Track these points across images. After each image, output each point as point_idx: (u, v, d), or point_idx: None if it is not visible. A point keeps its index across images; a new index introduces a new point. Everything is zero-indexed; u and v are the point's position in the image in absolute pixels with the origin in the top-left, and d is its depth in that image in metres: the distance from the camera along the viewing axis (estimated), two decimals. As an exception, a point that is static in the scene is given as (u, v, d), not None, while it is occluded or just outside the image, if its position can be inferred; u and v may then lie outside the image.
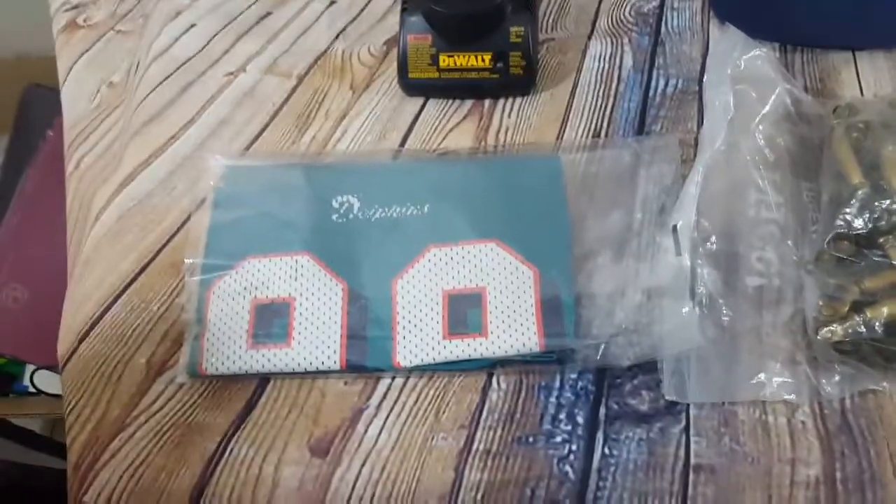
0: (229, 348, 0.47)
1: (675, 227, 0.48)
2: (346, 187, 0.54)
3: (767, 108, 0.53)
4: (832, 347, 0.44)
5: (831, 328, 0.44)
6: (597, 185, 0.54)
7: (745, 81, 0.54)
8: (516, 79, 0.60)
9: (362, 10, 0.70)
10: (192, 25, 0.70)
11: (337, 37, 0.68)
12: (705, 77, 0.60)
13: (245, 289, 0.49)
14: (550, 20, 0.67)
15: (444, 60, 0.59)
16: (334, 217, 0.52)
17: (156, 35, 0.69)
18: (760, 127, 0.52)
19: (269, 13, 0.70)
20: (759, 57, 0.55)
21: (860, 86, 0.60)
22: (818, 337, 0.45)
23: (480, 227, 0.51)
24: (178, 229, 0.54)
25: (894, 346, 0.44)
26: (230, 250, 0.51)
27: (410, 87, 0.61)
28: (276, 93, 0.63)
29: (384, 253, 0.51)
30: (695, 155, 0.54)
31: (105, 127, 0.65)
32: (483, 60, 0.59)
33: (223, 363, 0.47)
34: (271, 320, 0.48)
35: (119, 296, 0.51)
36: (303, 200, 0.53)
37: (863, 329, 0.44)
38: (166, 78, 0.65)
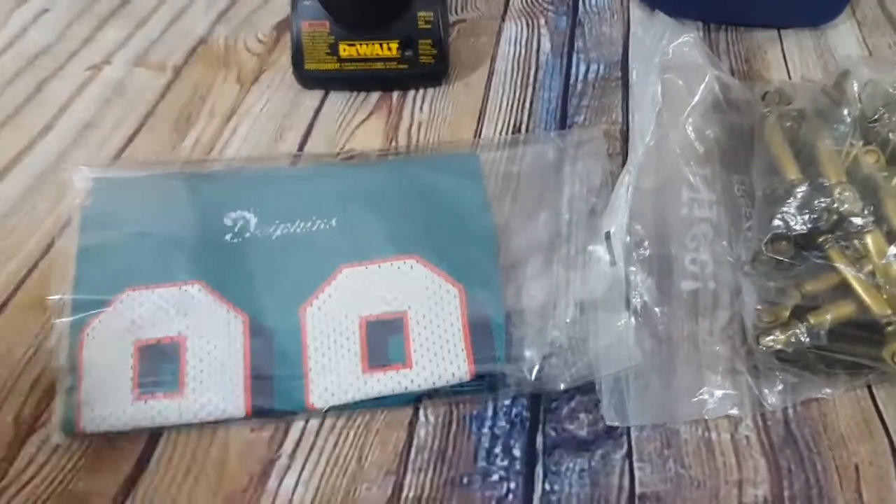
0: (111, 401, 0.41)
1: (608, 235, 0.46)
2: (239, 201, 0.49)
3: (696, 98, 0.52)
4: (774, 356, 0.43)
5: (774, 337, 0.43)
6: (520, 186, 0.51)
7: (673, 70, 0.52)
8: (427, 68, 0.56)
9: (244, -12, 0.65)
10: (45, 10, 0.64)
11: (217, 21, 0.62)
12: (633, 71, 0.57)
13: (126, 329, 0.43)
14: (460, 0, 0.63)
15: (345, 50, 0.55)
16: (228, 237, 0.47)
17: (1, 24, 0.62)
18: (690, 119, 0.51)
19: (134, -6, 0.64)
20: (686, 43, 0.53)
21: (787, 66, 0.59)
22: (760, 346, 0.43)
23: (397, 241, 0.46)
24: (41, 258, 0.48)
25: (838, 352, 0.43)
26: (104, 282, 0.45)
27: (307, 79, 0.57)
28: (148, 89, 0.58)
29: (289, 276, 0.46)
30: (621, 148, 0.52)
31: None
32: (389, 49, 0.55)
33: (104, 419, 0.41)
34: (159, 365, 0.43)
35: (-26, 342, 0.44)
36: (188, 218, 0.48)
37: (806, 338, 0.42)
38: (16, 75, 0.59)
